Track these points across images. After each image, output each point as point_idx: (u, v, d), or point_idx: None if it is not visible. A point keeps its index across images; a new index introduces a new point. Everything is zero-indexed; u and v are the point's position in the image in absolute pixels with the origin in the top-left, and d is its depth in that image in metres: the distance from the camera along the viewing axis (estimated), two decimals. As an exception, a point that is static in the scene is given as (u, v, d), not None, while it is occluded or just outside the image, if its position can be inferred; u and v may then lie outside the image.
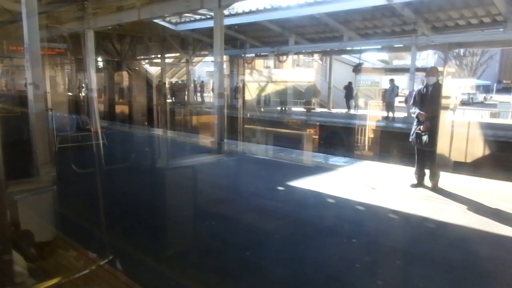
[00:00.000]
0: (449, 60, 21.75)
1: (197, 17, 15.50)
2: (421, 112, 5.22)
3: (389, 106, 14.27)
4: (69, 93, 24.57)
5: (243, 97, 17.82)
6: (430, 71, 5.40)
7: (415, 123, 5.38)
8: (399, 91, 16.10)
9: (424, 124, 5.17)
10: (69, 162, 6.58)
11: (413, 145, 5.41)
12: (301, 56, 20.72)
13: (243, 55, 19.01)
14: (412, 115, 5.59)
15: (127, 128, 13.18)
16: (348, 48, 16.81)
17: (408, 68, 14.57)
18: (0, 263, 1.94)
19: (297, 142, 11.93)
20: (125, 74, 23.65)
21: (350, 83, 17.52)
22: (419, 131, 5.24)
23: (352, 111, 17.28)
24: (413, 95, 5.68)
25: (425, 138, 5.17)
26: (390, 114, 14.01)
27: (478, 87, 27.85)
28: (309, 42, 16.96)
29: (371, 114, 14.96)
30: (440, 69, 6.13)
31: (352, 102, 17.85)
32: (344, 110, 17.43)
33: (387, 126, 12.61)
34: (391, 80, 14.81)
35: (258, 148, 9.35)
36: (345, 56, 21.80)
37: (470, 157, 9.95)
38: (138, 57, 23.92)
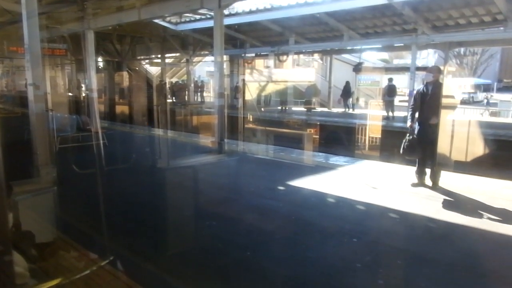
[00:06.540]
0: (450, 59, 21.73)
1: (197, 17, 15.48)
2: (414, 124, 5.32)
3: (387, 105, 14.26)
4: (70, 94, 24.58)
5: (244, 97, 17.86)
6: (431, 70, 5.38)
7: (408, 134, 5.39)
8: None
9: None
10: (70, 162, 6.58)
11: (406, 157, 5.42)
12: (301, 55, 20.71)
13: (243, 55, 18.97)
14: (408, 121, 5.54)
15: (128, 128, 13.18)
16: (348, 48, 16.76)
17: (408, 67, 14.56)
18: (1, 264, 1.94)
19: (298, 142, 11.91)
20: (125, 74, 23.65)
21: (347, 82, 17.47)
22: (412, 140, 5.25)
23: (350, 110, 17.25)
24: (413, 95, 5.66)
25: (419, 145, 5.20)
26: (390, 114, 14.00)
27: (478, 86, 27.83)
28: (309, 41, 16.92)
29: (371, 114, 14.94)
30: (440, 68, 6.11)
31: (350, 101, 17.82)
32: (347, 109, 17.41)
33: (387, 125, 12.58)
34: (389, 79, 14.80)
35: (258, 148, 9.34)
36: (346, 56, 21.75)
37: (471, 156, 9.93)
38: (138, 57, 23.90)
